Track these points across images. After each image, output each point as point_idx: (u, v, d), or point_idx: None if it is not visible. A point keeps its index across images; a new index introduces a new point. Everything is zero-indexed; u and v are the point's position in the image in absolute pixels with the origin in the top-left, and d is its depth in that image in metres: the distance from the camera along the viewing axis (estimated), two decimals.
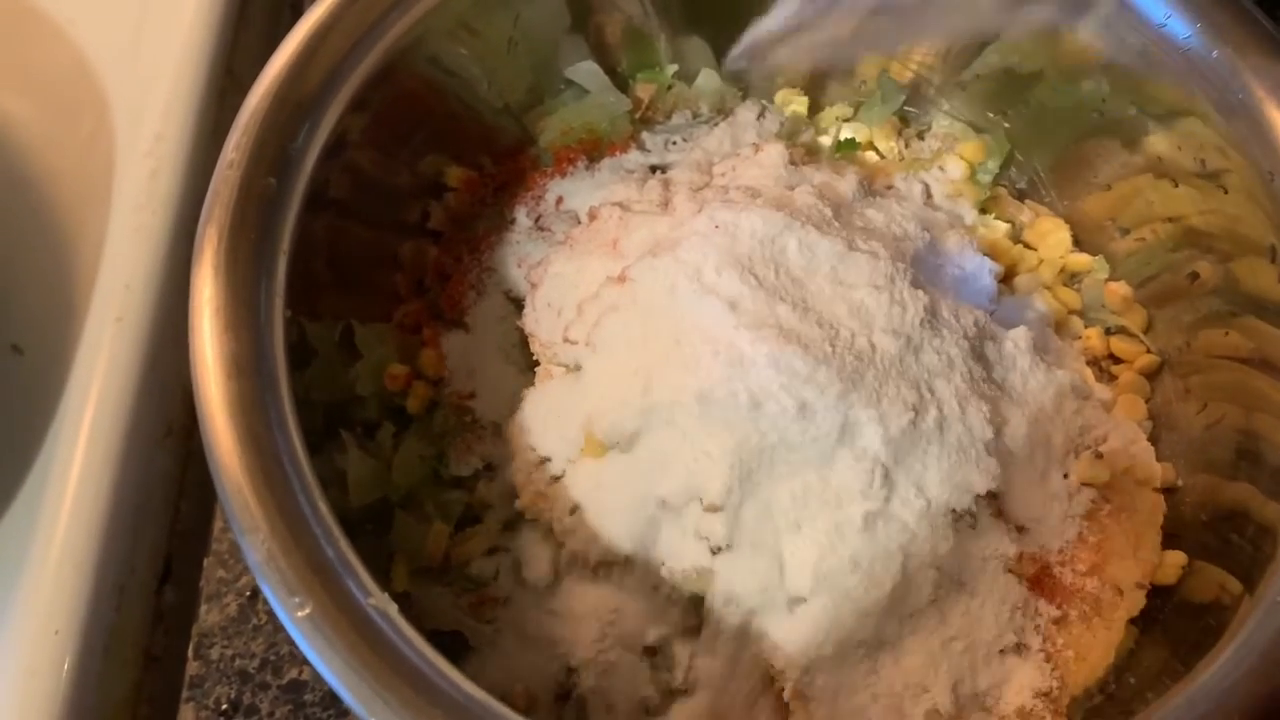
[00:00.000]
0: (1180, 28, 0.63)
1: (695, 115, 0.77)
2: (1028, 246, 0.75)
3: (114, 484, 0.67)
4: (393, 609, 0.46)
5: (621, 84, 0.77)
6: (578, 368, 0.60)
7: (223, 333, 0.52)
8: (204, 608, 0.68)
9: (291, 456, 0.49)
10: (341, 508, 0.50)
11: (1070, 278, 0.74)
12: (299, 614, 0.45)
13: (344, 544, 0.47)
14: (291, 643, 0.64)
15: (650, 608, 0.59)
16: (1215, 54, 0.62)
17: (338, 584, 0.46)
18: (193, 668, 0.66)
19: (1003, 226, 0.75)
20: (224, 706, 0.65)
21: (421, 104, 0.69)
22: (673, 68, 0.78)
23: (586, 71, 0.76)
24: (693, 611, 0.60)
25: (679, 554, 0.57)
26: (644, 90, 0.76)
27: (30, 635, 0.63)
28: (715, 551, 0.56)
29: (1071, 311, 0.72)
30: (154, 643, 0.69)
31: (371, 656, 0.44)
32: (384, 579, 0.50)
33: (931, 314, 0.58)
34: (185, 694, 0.66)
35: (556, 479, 0.59)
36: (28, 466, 0.67)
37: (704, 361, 0.55)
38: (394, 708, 0.43)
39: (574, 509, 0.58)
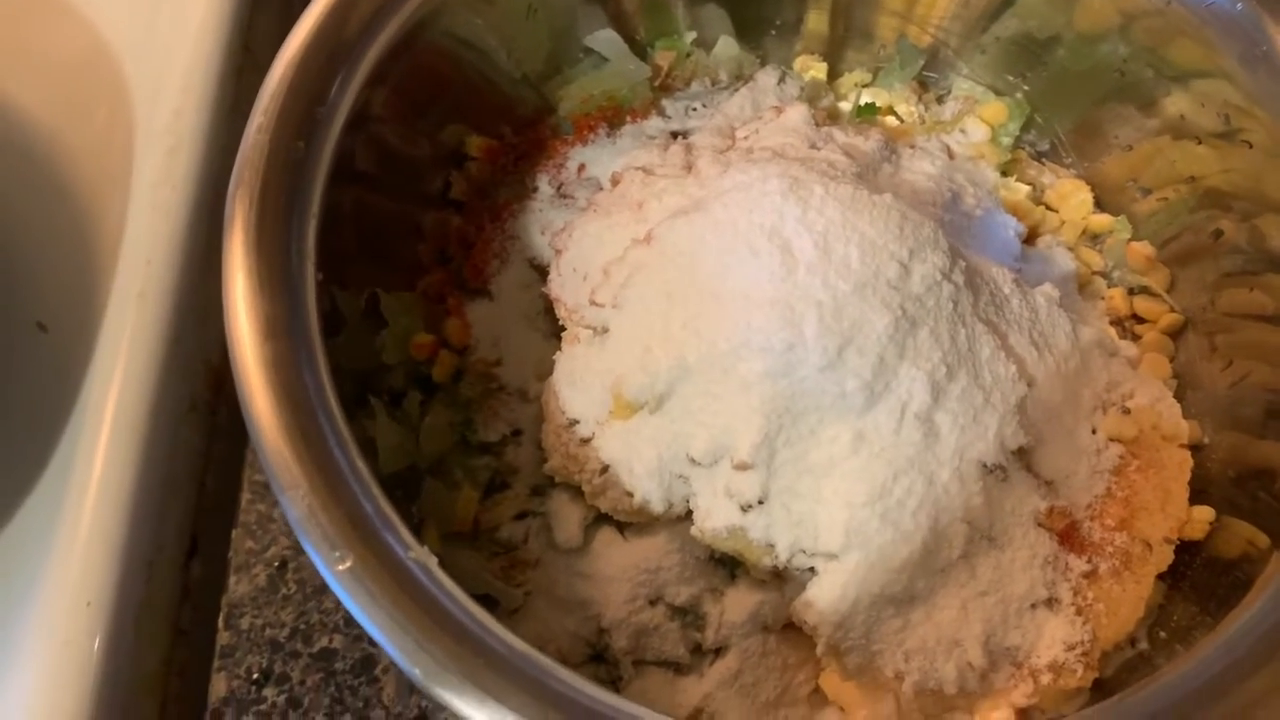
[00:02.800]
0: None
1: (714, 82, 0.77)
2: (1049, 208, 0.75)
3: (141, 459, 0.67)
4: (432, 562, 0.46)
5: (640, 52, 0.77)
6: (605, 330, 0.60)
7: (256, 294, 0.52)
8: (233, 579, 0.68)
9: (328, 414, 0.49)
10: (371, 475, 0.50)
11: (1092, 239, 0.74)
12: (340, 567, 0.45)
13: (382, 500, 0.47)
14: (321, 611, 0.66)
15: (681, 567, 0.59)
16: (1240, 6, 0.62)
17: (377, 538, 0.46)
18: (224, 638, 0.66)
19: (1024, 189, 0.75)
20: (255, 675, 0.65)
21: (441, 74, 0.69)
22: (691, 35, 0.78)
23: (606, 39, 0.76)
24: (724, 571, 0.60)
25: (710, 512, 0.57)
26: (663, 58, 0.76)
27: (63, 608, 0.63)
28: (746, 509, 0.56)
29: (1095, 272, 0.72)
30: (182, 616, 0.70)
31: (413, 608, 0.44)
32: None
33: (960, 269, 0.58)
34: (217, 664, 0.66)
35: (586, 441, 0.59)
36: (55, 442, 0.67)
37: (735, 317, 0.55)
38: (437, 658, 0.43)
39: (604, 470, 0.58)
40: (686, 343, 0.56)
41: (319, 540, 0.45)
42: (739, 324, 0.55)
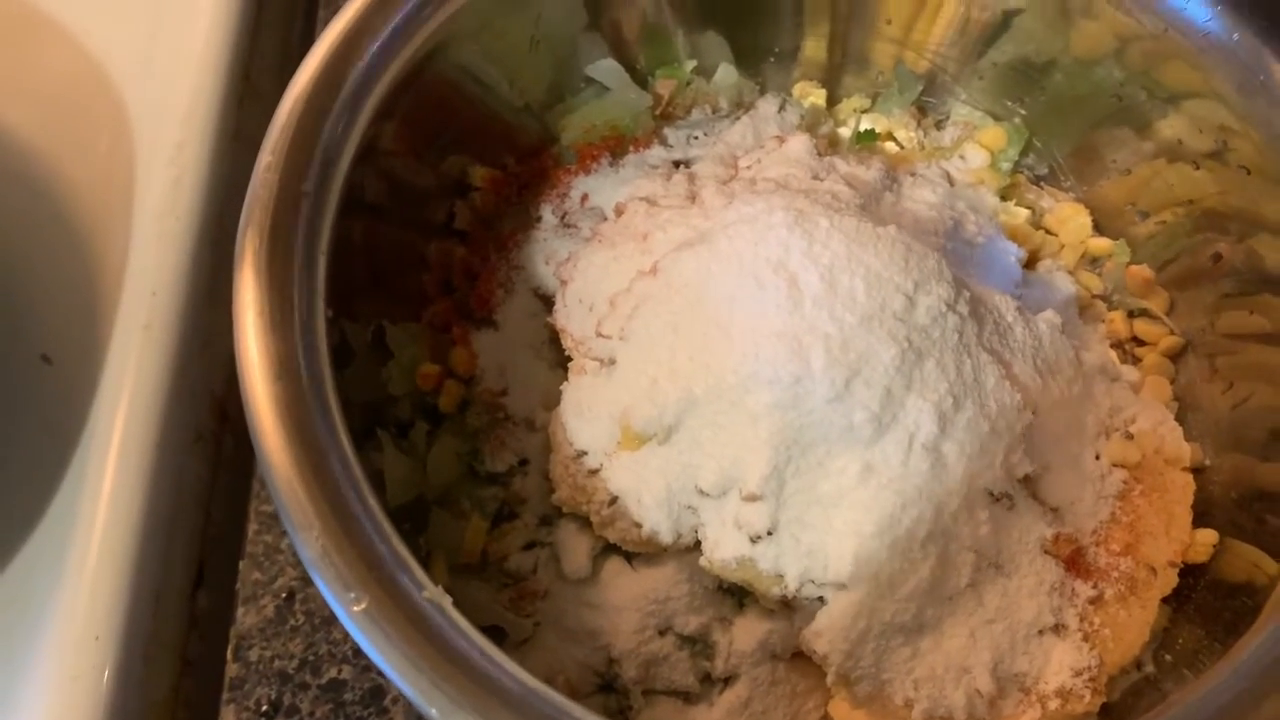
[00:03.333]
0: (1200, 11, 0.63)
1: (715, 110, 0.78)
2: (1049, 232, 0.75)
3: (147, 491, 0.67)
4: (447, 602, 0.46)
5: (640, 81, 0.78)
6: (612, 361, 0.61)
7: (267, 334, 0.52)
8: (241, 610, 0.68)
9: (340, 454, 0.50)
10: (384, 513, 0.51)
11: (1091, 262, 0.75)
12: (355, 609, 0.45)
13: (395, 539, 0.48)
14: (330, 642, 0.66)
15: (690, 597, 0.60)
16: (1236, 36, 0.62)
17: (391, 578, 0.46)
18: (232, 670, 0.66)
19: (1023, 213, 0.75)
20: (264, 707, 0.65)
21: (445, 106, 0.70)
22: (691, 63, 0.78)
23: (607, 69, 0.76)
24: (732, 600, 0.60)
25: (719, 543, 0.57)
26: (664, 86, 0.77)
27: (71, 641, 0.63)
28: (755, 540, 0.57)
29: (1094, 295, 0.73)
30: (189, 647, 0.70)
31: (428, 649, 0.44)
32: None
33: (965, 299, 0.58)
34: (226, 696, 0.66)
35: (594, 472, 0.60)
36: (61, 475, 0.68)
37: (743, 350, 0.55)
38: (453, 698, 0.43)
39: (612, 501, 0.59)
40: (694, 375, 0.56)
41: (333, 581, 0.46)
42: (746, 356, 0.55)
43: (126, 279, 0.72)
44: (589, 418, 0.60)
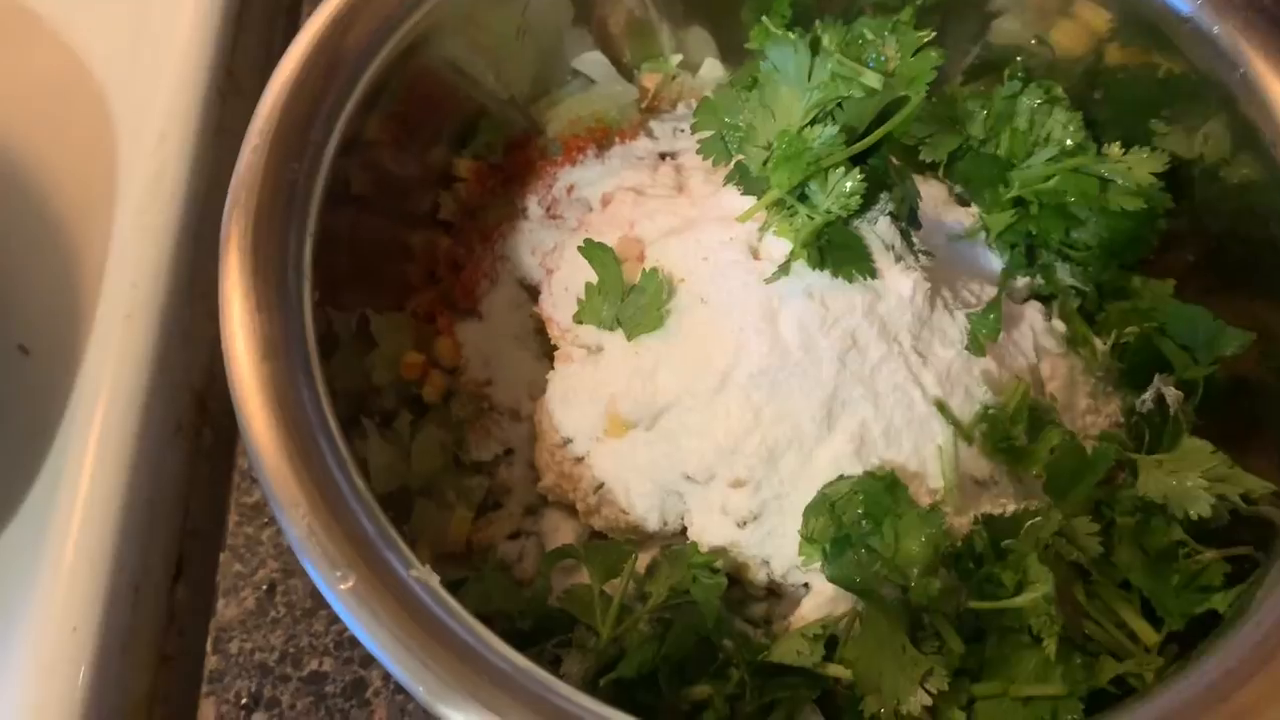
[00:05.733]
0: (1183, 4, 0.64)
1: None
2: None
3: (127, 482, 0.67)
4: (434, 580, 0.46)
5: (626, 74, 0.78)
6: (599, 349, 0.61)
7: (254, 314, 0.52)
8: (221, 602, 0.67)
9: (326, 434, 0.49)
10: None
11: None
12: (342, 587, 0.45)
13: (382, 518, 0.47)
14: (311, 634, 0.65)
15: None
16: (1216, 30, 0.63)
17: (379, 557, 0.46)
18: (212, 662, 0.66)
19: None
20: (244, 700, 0.65)
21: (431, 97, 0.70)
22: (676, 58, 0.78)
23: (593, 61, 0.76)
24: None
25: (705, 529, 0.57)
26: (649, 80, 0.77)
27: (49, 634, 0.62)
28: (741, 525, 0.56)
29: None
30: (167, 641, 0.69)
31: (415, 627, 0.44)
32: None
33: (939, 290, 0.58)
34: (205, 689, 0.65)
35: (579, 460, 0.60)
36: (39, 466, 0.67)
37: (730, 337, 0.55)
38: (440, 676, 0.43)
39: (598, 488, 0.59)
40: (681, 362, 0.56)
41: (319, 560, 0.45)
42: (736, 344, 0.55)
43: (107, 271, 0.72)
44: (575, 405, 0.60)
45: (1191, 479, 0.56)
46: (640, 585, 0.56)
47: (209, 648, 0.66)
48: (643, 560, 0.57)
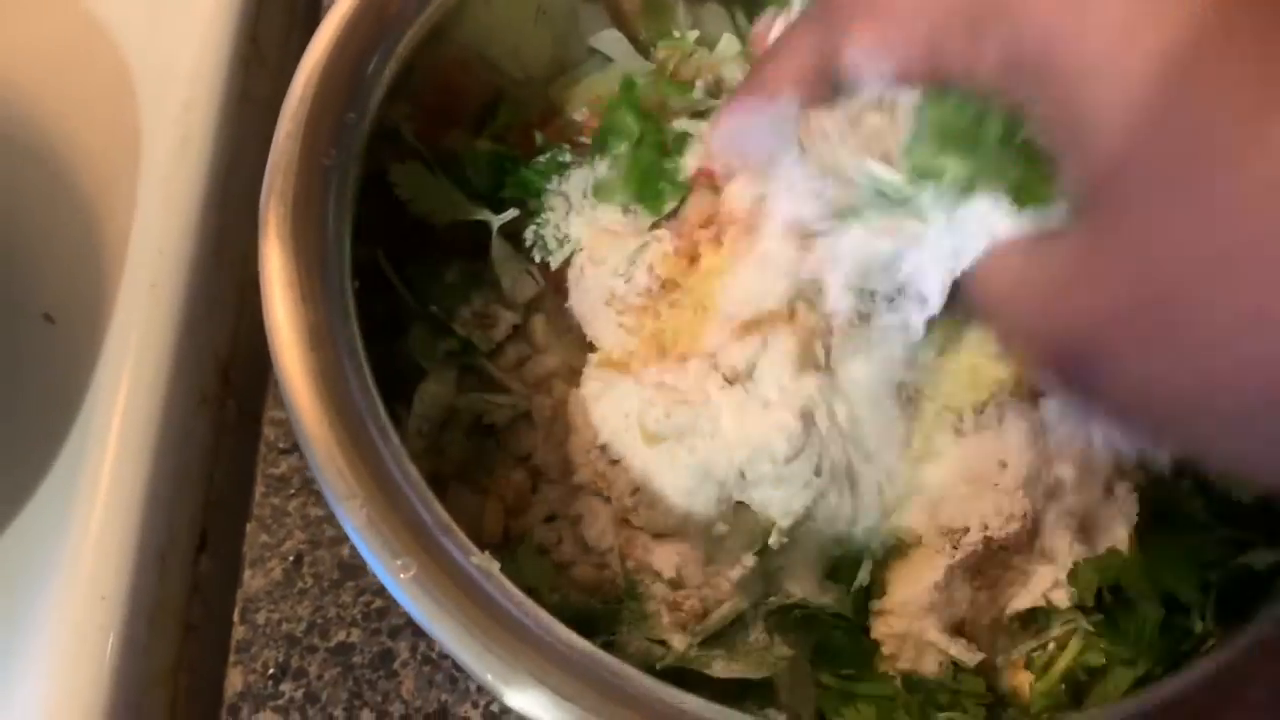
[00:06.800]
0: None
1: (719, 82, 0.78)
2: None
3: (153, 451, 0.67)
4: (495, 567, 0.47)
5: (643, 53, 0.78)
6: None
7: (298, 304, 0.52)
8: (248, 573, 0.68)
9: (377, 422, 0.50)
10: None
11: None
12: (404, 576, 0.46)
13: (438, 506, 0.49)
14: (339, 605, 0.67)
15: (719, 563, 0.60)
16: None
17: (438, 544, 0.47)
18: (239, 632, 0.67)
19: None
20: (271, 670, 0.66)
21: (451, 82, 0.70)
22: (693, 34, 0.78)
23: (610, 39, 0.76)
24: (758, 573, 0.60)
25: (778, 506, 0.57)
26: (666, 55, 0.77)
27: (78, 601, 0.63)
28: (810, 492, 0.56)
29: None
30: (191, 612, 0.70)
31: (479, 613, 0.45)
32: None
33: None
34: (233, 658, 0.67)
35: (615, 462, 0.59)
36: (65, 434, 0.68)
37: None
38: (506, 660, 0.44)
39: (634, 491, 0.58)
40: (706, 370, 0.57)
41: (380, 549, 0.46)
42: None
43: (132, 238, 0.72)
44: (610, 410, 0.60)
45: None
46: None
47: (236, 618, 0.67)
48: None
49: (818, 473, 0.56)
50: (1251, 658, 0.48)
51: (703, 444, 0.56)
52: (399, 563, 0.46)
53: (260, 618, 0.67)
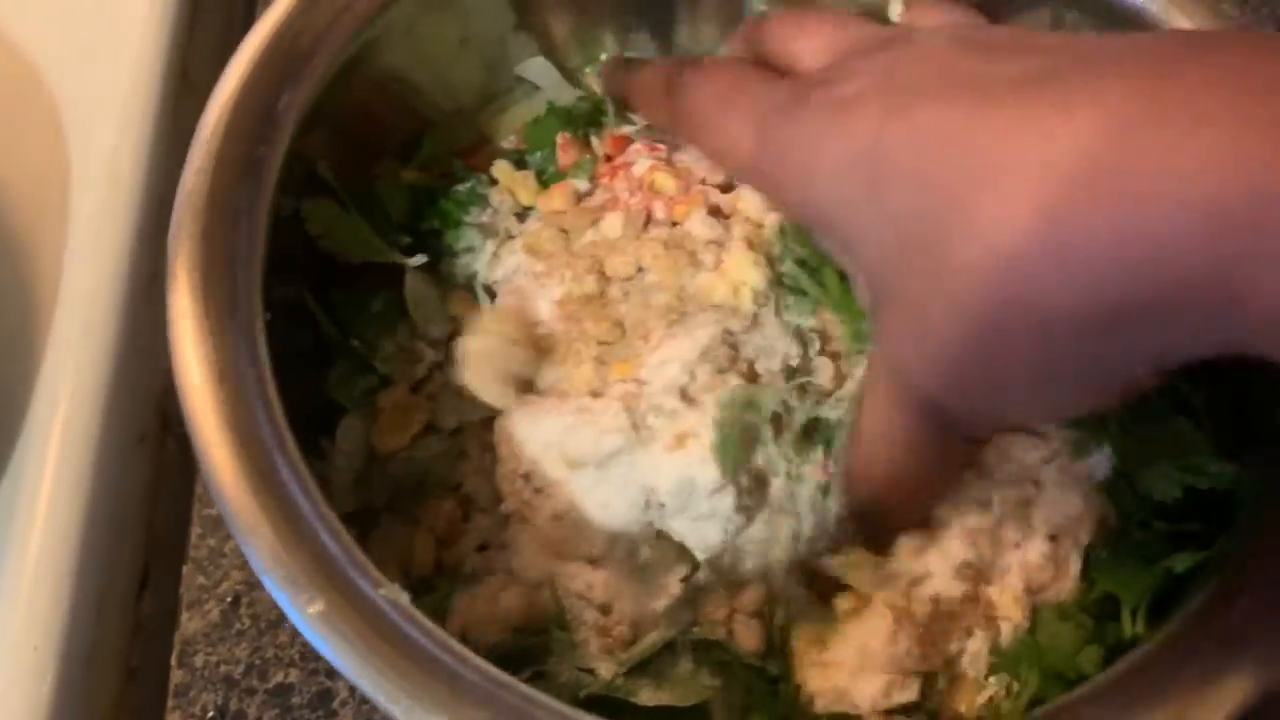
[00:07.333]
0: None
1: None
2: None
3: (90, 493, 0.67)
4: (404, 599, 0.46)
5: (572, 80, 0.78)
6: None
7: (204, 340, 0.51)
8: (185, 615, 0.68)
9: (286, 455, 0.49)
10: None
11: None
12: (311, 610, 0.45)
13: (347, 539, 0.48)
14: (276, 646, 0.66)
15: (645, 590, 0.59)
16: None
17: (345, 578, 0.46)
18: (177, 676, 0.66)
19: None
20: (210, 713, 0.65)
21: (374, 112, 0.69)
22: None
23: (538, 67, 0.76)
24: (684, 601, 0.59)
25: (696, 538, 0.57)
26: (596, 83, 0.77)
27: (8, 652, 0.62)
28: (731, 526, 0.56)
29: None
30: (133, 653, 0.69)
31: (387, 647, 0.45)
32: None
33: None
34: (171, 703, 0.66)
35: (539, 491, 0.58)
36: None
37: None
38: (416, 696, 0.44)
39: (558, 516, 0.57)
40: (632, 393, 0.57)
41: (286, 585, 0.46)
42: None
43: (63, 280, 0.71)
44: (533, 439, 0.59)
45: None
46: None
47: (174, 661, 0.66)
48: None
49: (738, 509, 0.55)
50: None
51: (622, 473, 0.56)
52: (305, 597, 0.45)
53: (198, 660, 0.66)
